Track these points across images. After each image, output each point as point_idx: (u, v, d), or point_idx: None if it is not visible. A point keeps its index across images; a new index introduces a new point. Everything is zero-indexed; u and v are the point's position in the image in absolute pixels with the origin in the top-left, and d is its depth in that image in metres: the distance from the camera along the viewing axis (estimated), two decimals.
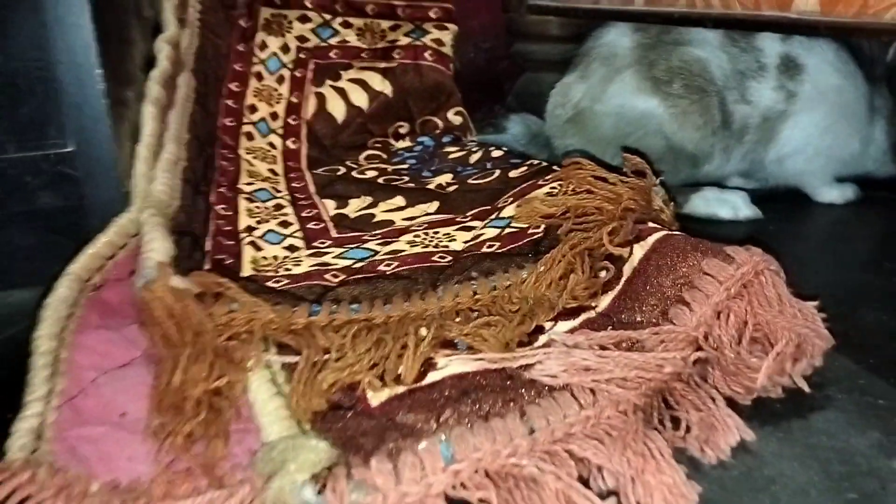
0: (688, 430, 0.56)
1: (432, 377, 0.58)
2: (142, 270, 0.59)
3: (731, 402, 0.58)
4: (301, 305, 0.65)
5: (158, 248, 0.62)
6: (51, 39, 0.73)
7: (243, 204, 0.94)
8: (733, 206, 1.05)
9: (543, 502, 0.48)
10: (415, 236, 0.86)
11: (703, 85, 1.05)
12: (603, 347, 0.58)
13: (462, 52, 1.40)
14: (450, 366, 0.59)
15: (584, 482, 0.50)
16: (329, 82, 1.29)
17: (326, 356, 0.59)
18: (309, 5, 1.34)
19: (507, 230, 0.83)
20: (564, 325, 0.64)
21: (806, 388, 0.59)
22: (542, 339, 0.63)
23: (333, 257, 0.80)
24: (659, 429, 0.56)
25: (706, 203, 1.05)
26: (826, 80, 1.06)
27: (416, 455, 0.48)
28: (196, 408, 0.52)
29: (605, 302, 0.66)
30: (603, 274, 0.68)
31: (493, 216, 0.88)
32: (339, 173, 1.15)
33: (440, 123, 1.31)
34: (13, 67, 0.72)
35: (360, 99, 1.29)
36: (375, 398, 0.56)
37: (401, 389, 0.57)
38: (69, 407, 0.54)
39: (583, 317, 0.65)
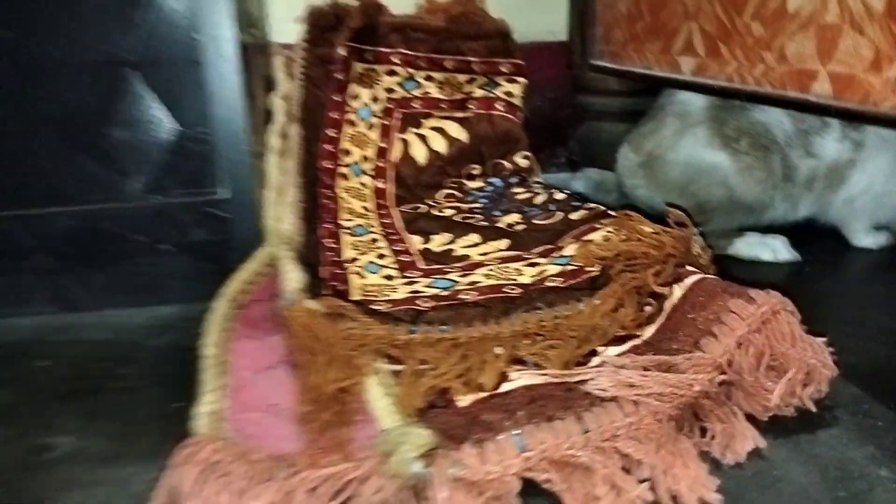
0: (712, 437, 0.70)
1: (506, 387, 0.74)
2: (284, 294, 0.77)
3: (751, 418, 0.72)
4: (401, 325, 0.82)
5: (294, 277, 0.79)
6: (211, 110, 0.92)
7: (346, 238, 1.11)
8: (773, 249, 1.18)
9: (594, 485, 0.63)
10: (489, 270, 1.02)
11: (767, 144, 1.19)
12: (645, 368, 0.72)
13: (530, 101, 1.57)
14: (520, 379, 0.75)
15: (626, 472, 0.65)
16: (412, 129, 1.47)
17: (423, 366, 0.76)
18: (396, 61, 1.52)
19: (568, 267, 0.98)
20: (614, 350, 0.79)
21: (813, 409, 0.73)
22: (596, 360, 0.78)
23: (423, 286, 0.97)
24: (688, 435, 0.70)
25: (748, 246, 1.18)
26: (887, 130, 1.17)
27: (497, 444, 0.64)
28: (329, 402, 0.69)
29: (648, 332, 0.80)
30: (648, 309, 0.83)
31: (555, 254, 1.03)
32: (420, 211, 1.32)
33: (509, 166, 1.48)
34: (184, 134, 0.92)
35: (439, 144, 1.46)
36: (462, 401, 0.72)
37: (482, 395, 0.73)
38: (234, 398, 0.71)
39: (630, 343, 0.80)
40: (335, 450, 0.65)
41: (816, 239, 1.28)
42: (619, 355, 0.77)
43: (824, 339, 0.75)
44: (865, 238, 1.26)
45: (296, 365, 0.75)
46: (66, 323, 0.97)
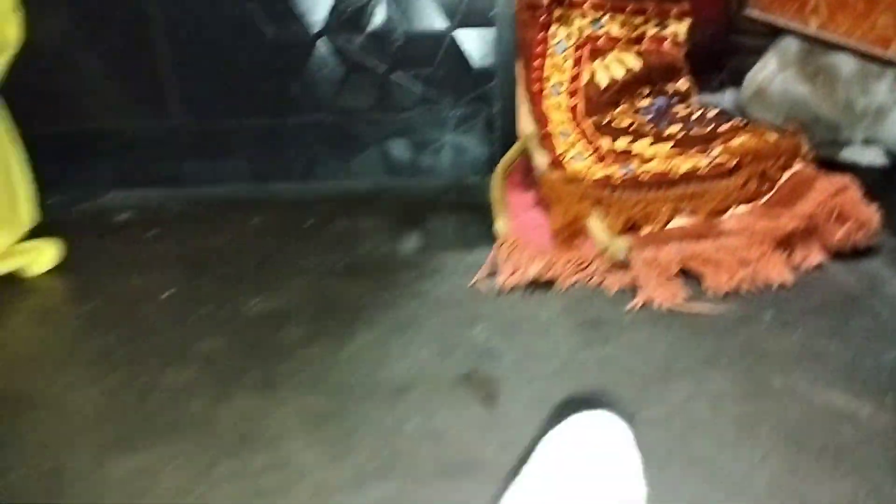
0: (797, 257, 1.19)
1: (670, 224, 1.26)
2: (537, 168, 1.32)
3: (823, 249, 1.20)
4: (605, 190, 1.35)
5: (541, 159, 1.34)
6: (498, 53, 1.48)
7: (558, 139, 1.65)
8: (866, 156, 1.60)
9: (722, 270, 1.14)
10: (657, 162, 1.52)
11: (836, 81, 1.59)
12: (759, 217, 1.22)
13: (693, 37, 2.00)
14: (679, 220, 1.27)
15: (741, 265, 1.16)
16: (598, 60, 1.95)
17: (619, 213, 1.29)
18: (587, 6, 1.99)
19: (715, 162, 1.47)
20: (742, 208, 1.29)
21: (861, 246, 1.20)
22: (727, 213, 1.28)
23: (613, 171, 1.49)
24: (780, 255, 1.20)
25: (850, 153, 1.61)
26: None
27: (665, 249, 1.17)
28: (567, 227, 1.25)
29: (764, 199, 1.29)
30: (766, 186, 1.31)
31: (705, 153, 1.52)
32: (604, 122, 1.82)
33: (672, 89, 1.93)
34: (482, 69, 1.49)
35: (618, 72, 1.94)
36: (644, 231, 1.26)
37: (656, 228, 1.26)
38: (516, 221, 1.28)
39: (752, 205, 1.29)
40: (575, 249, 1.21)
41: None
42: (743, 212, 1.27)
43: (875, 209, 1.22)
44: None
45: (545, 207, 1.31)
46: (397, 185, 1.59)
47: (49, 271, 1.32)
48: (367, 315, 1.11)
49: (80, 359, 1.06)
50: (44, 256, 1.32)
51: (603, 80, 1.94)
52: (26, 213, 1.35)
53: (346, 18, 1.55)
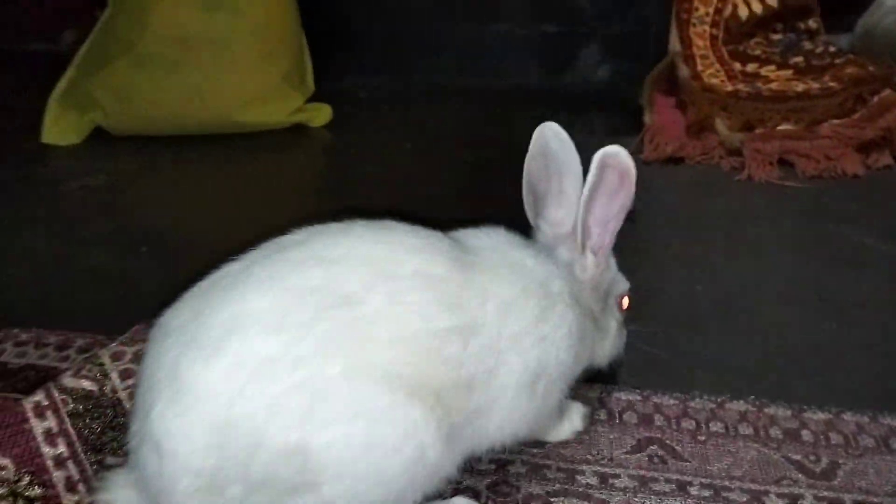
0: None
1: (779, 127, 1.70)
2: (681, 79, 1.78)
3: None
4: (732, 99, 1.79)
5: (684, 72, 1.80)
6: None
7: (699, 59, 2.07)
8: None
9: (809, 158, 1.59)
10: (778, 83, 1.93)
11: None
12: (848, 127, 1.64)
13: None
14: (783, 126, 1.70)
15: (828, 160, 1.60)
16: None
17: (739, 115, 1.73)
18: None
19: (826, 85, 1.86)
20: (836, 121, 1.70)
21: None
22: (825, 125, 1.70)
23: (741, 87, 1.91)
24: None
25: None
26: None
27: (771, 140, 1.62)
28: (701, 122, 1.71)
29: (855, 115, 1.70)
30: (859, 105, 1.72)
31: (821, 79, 1.91)
32: (738, 49, 2.22)
33: (802, 27, 2.29)
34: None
35: (756, 7, 2.30)
36: (759, 129, 1.70)
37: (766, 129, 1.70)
38: (660, 115, 1.75)
39: (845, 119, 1.70)
40: (702, 139, 1.67)
41: None
42: (836, 123, 1.69)
43: None
44: None
45: (683, 108, 1.77)
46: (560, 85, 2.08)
47: (324, 125, 1.91)
48: None
49: (352, 179, 1.65)
50: (322, 114, 1.90)
51: (743, 14, 2.32)
52: (311, 81, 1.94)
53: None
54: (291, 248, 0.69)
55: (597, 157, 0.76)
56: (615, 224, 0.81)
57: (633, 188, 0.77)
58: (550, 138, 0.83)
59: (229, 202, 1.57)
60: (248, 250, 0.73)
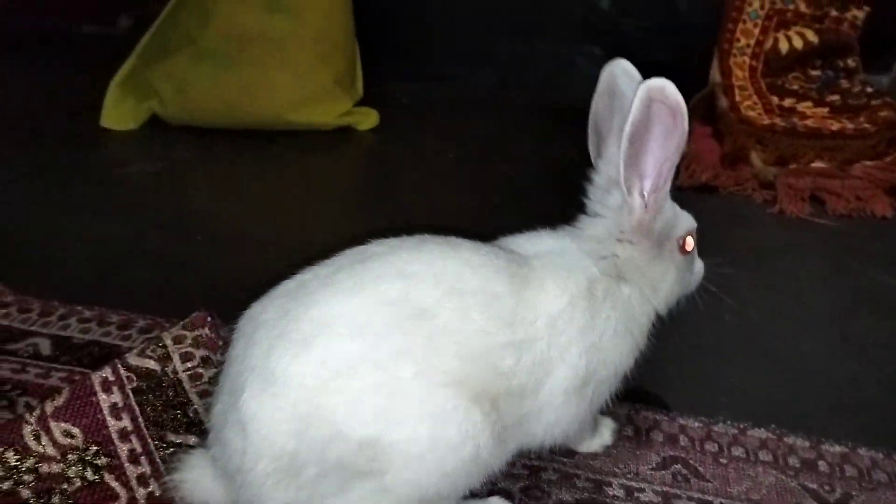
0: None
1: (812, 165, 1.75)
2: (719, 109, 1.83)
3: None
4: (768, 133, 1.84)
5: (723, 102, 1.84)
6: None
7: (737, 90, 2.12)
8: None
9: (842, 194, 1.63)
10: (814, 120, 1.97)
11: None
12: (880, 170, 1.68)
13: (868, 22, 2.36)
14: (817, 164, 1.74)
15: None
16: (783, 31, 2.37)
17: (774, 149, 1.78)
18: None
19: (860, 126, 1.90)
20: (868, 162, 1.75)
21: None
22: (857, 165, 1.74)
23: (777, 121, 1.96)
24: None
25: None
26: None
27: (802, 176, 1.66)
28: (736, 153, 1.75)
29: (887, 158, 1.74)
30: (892, 149, 1.76)
31: (856, 119, 1.95)
32: (777, 83, 2.26)
33: (841, 65, 2.33)
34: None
35: (797, 43, 2.35)
36: (791, 163, 1.75)
37: (799, 165, 1.74)
38: (696, 143, 1.80)
39: (876, 161, 1.74)
40: (736, 169, 1.72)
41: None
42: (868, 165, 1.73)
43: None
44: None
45: (720, 138, 1.81)
46: None
47: (370, 129, 1.97)
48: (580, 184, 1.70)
49: (394, 183, 1.71)
50: (369, 118, 1.97)
51: (784, 48, 2.36)
52: (360, 86, 2.00)
53: None
54: (374, 260, 0.75)
55: (641, 90, 0.71)
56: (670, 165, 0.77)
57: (686, 127, 0.73)
58: (619, 75, 0.81)
59: (276, 197, 1.64)
60: (329, 255, 0.79)
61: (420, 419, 0.68)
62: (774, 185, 1.68)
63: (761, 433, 1.01)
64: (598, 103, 0.86)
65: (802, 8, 2.38)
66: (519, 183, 1.72)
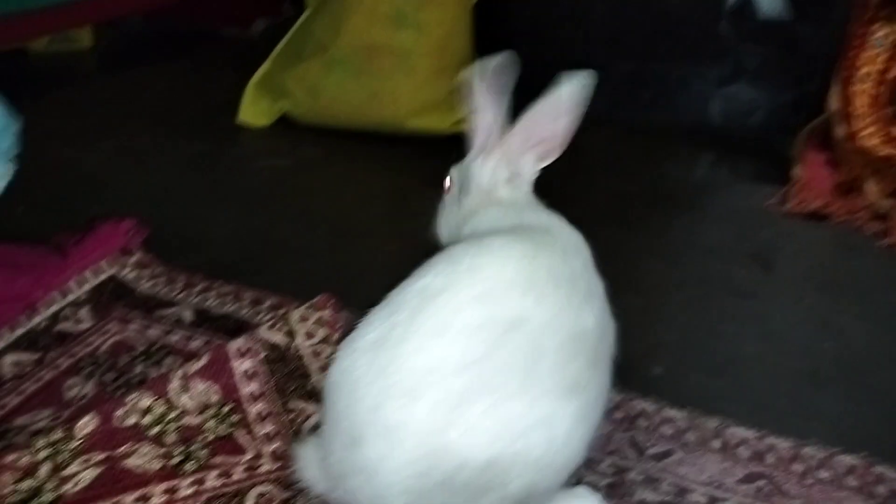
0: None
1: None
2: (837, 137, 1.81)
3: None
4: (885, 164, 1.80)
5: (841, 131, 1.82)
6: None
7: (857, 119, 2.08)
8: None
9: None
10: None
11: None
12: None
13: None
14: None
15: None
16: None
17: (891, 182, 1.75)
18: None
19: None
20: None
21: None
22: None
23: None
24: None
25: None
26: None
27: None
28: (850, 183, 1.73)
29: None
30: None
31: None
32: None
33: None
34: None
35: None
36: None
37: None
38: (809, 170, 1.79)
39: None
40: (849, 199, 1.70)
41: None
42: None
43: None
44: None
45: (834, 166, 1.79)
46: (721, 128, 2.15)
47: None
48: (685, 202, 1.72)
49: None
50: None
51: None
52: None
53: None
54: (443, 295, 0.78)
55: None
56: None
57: None
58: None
59: (394, 195, 1.76)
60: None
61: (532, 429, 0.74)
62: (888, 217, 1.65)
63: (850, 459, 1.02)
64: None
65: None
66: (624, 199, 1.77)
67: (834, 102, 2.12)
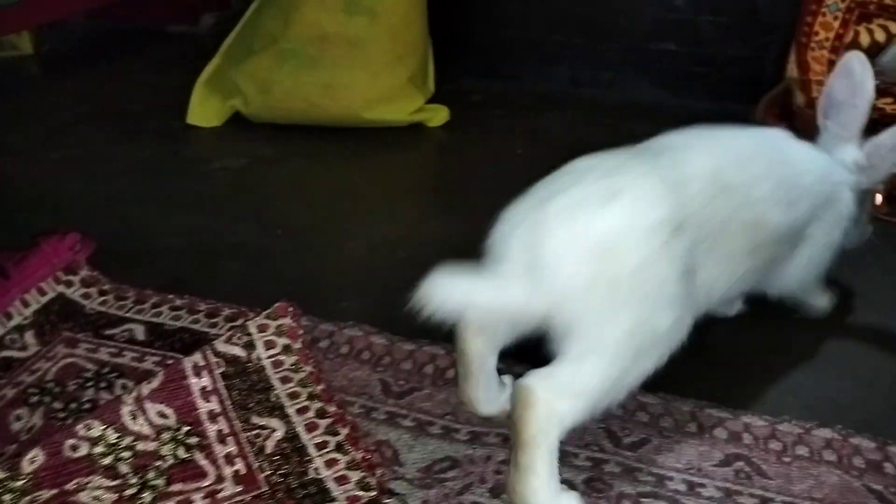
0: None
1: None
2: (796, 105, 1.79)
3: None
4: None
5: (800, 98, 1.81)
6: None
7: (815, 86, 2.07)
8: None
9: None
10: (894, 118, 1.91)
11: None
12: None
13: None
14: None
15: None
16: (864, 24, 2.29)
17: None
18: None
19: None
20: None
21: None
22: None
23: None
24: None
25: None
26: None
27: None
28: None
29: None
30: None
31: None
32: None
33: None
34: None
35: (880, 36, 2.27)
36: None
37: None
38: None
39: None
40: None
41: None
42: None
43: None
44: None
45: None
46: (676, 103, 2.12)
47: (441, 126, 2.02)
48: None
49: (463, 178, 1.76)
50: (440, 115, 2.02)
51: (865, 42, 2.29)
52: (432, 83, 2.05)
53: None
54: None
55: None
56: None
57: None
58: (856, 63, 1.21)
59: (352, 192, 1.71)
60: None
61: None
62: None
63: (827, 433, 1.01)
64: (835, 82, 1.25)
65: (887, 0, 2.30)
66: None
67: (792, 70, 2.11)
